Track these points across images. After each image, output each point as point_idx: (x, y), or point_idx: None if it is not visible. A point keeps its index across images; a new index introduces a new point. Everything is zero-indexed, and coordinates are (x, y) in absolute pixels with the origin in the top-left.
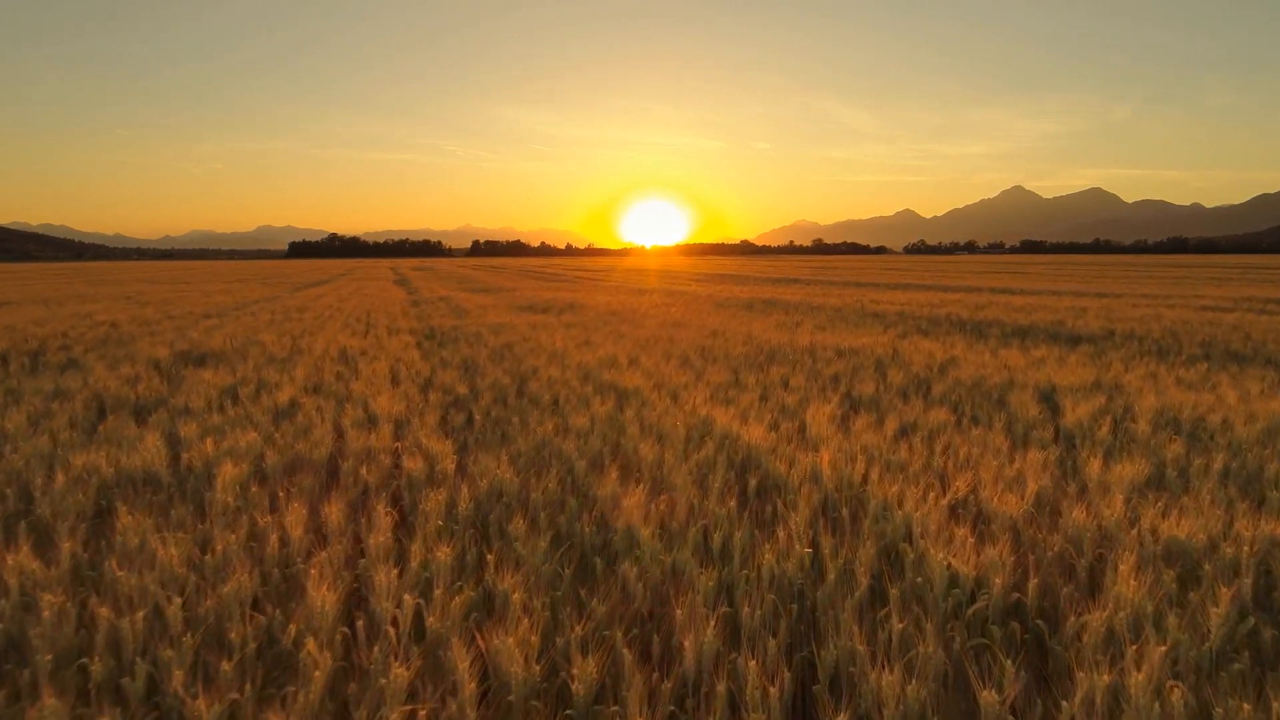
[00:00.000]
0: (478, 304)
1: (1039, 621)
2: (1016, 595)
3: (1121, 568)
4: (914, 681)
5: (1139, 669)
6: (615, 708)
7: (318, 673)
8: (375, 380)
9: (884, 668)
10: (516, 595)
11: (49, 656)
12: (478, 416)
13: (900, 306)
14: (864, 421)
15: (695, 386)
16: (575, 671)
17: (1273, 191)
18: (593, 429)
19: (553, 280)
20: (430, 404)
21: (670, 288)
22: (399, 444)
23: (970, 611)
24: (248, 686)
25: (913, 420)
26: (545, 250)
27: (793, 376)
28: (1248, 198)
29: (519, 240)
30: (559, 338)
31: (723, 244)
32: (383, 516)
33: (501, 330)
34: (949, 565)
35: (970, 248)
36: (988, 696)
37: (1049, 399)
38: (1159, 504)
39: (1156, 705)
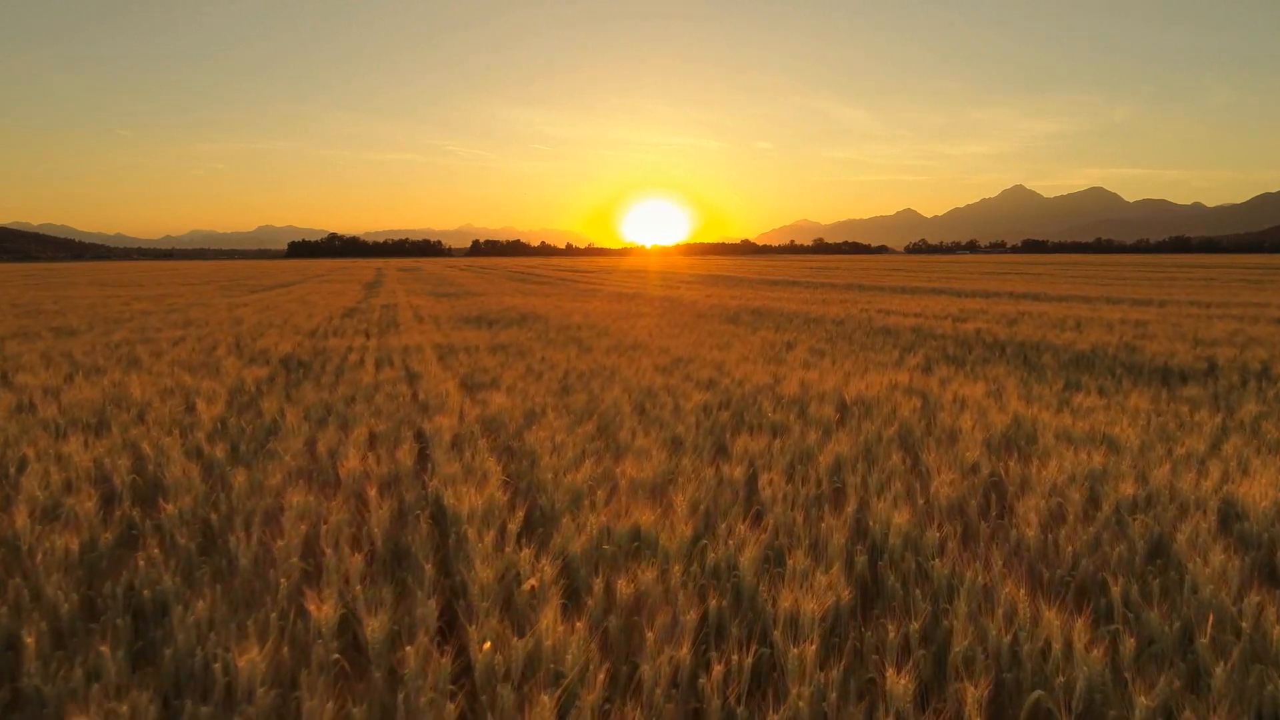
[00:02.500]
0: (423, 314)
1: None
2: None
3: None
4: None
5: None
6: None
7: None
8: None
9: None
10: None
11: None
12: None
13: (914, 319)
14: (904, 673)
15: (586, 505)
16: None
17: (1274, 191)
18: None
19: (534, 283)
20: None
21: (655, 292)
22: None
23: None
24: None
25: (1010, 639)
26: (545, 250)
27: (768, 470)
28: (1249, 197)
29: (519, 240)
30: (457, 374)
31: (723, 244)
32: None
33: (398, 358)
34: None
35: (972, 247)
36: None
37: (1247, 538)
38: None
39: None
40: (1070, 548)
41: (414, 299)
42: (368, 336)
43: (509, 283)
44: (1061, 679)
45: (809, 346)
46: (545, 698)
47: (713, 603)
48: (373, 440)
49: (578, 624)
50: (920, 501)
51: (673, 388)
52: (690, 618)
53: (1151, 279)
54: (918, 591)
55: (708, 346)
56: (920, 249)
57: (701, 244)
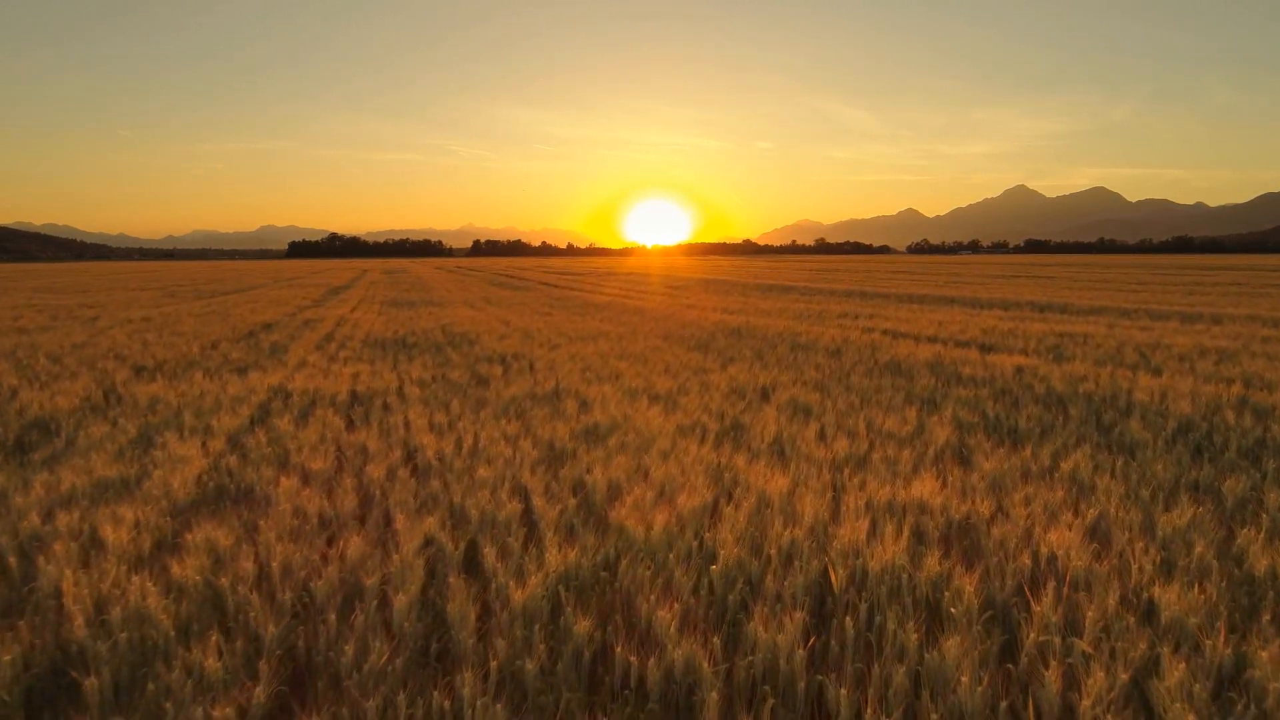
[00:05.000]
0: (338, 334)
1: None
2: None
3: None
4: None
5: None
6: None
7: None
8: None
9: None
10: None
11: None
12: None
13: (930, 345)
14: None
15: None
16: None
17: (1276, 191)
18: None
19: (509, 288)
20: None
21: (632, 301)
22: None
23: None
24: None
25: None
26: (545, 250)
27: None
28: (1251, 197)
29: (519, 240)
30: (202, 473)
31: (725, 243)
32: None
33: (172, 427)
34: None
35: (974, 247)
36: None
37: None
38: None
39: None
40: None
41: (357, 311)
42: (213, 377)
43: (483, 288)
44: None
45: (789, 397)
46: None
47: None
48: None
49: None
50: None
51: (533, 519)
52: None
53: (1176, 284)
54: None
55: (648, 400)
56: (922, 249)
57: (703, 244)
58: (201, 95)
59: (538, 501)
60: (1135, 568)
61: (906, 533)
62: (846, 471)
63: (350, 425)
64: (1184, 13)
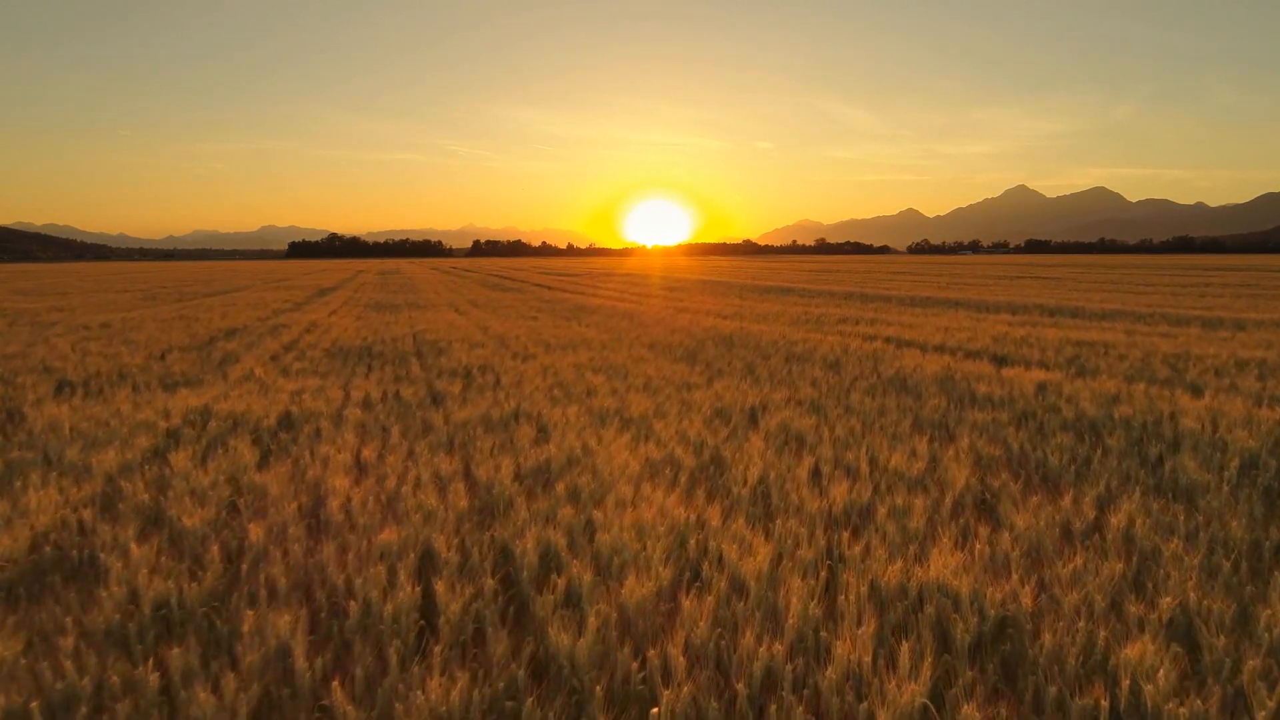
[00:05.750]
0: (304, 341)
1: None
2: None
3: None
4: None
5: None
6: None
7: None
8: None
9: None
10: None
11: None
12: None
13: (937, 355)
14: None
15: None
16: None
17: (1277, 191)
18: None
19: (500, 290)
20: None
21: (624, 303)
22: None
23: None
24: None
25: None
26: (545, 250)
27: None
28: (1252, 197)
29: (520, 240)
30: None
31: (725, 244)
32: None
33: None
34: None
35: (975, 247)
36: None
37: None
38: None
39: None
40: None
41: (335, 315)
42: (138, 394)
43: (474, 290)
44: None
45: (780, 422)
46: None
47: None
48: None
49: None
50: None
51: (434, 610)
52: None
53: (1185, 285)
54: None
55: (618, 425)
56: (923, 249)
57: (703, 244)
58: (201, 95)
59: (441, 588)
60: (1255, 708)
61: (928, 653)
62: (845, 534)
63: (263, 460)
64: (1185, 13)
